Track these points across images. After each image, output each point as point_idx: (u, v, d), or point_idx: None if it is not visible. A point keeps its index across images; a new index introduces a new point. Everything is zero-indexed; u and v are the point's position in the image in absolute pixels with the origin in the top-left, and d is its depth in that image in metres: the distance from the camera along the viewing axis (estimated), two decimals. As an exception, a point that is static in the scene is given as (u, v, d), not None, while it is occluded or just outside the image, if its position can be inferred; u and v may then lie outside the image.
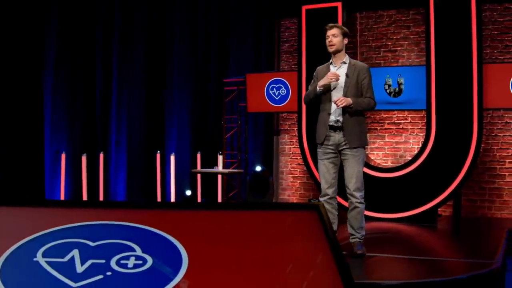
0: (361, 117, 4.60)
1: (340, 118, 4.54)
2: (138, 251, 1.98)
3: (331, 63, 4.71)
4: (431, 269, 4.20)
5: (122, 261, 1.98)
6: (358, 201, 4.56)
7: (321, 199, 4.70)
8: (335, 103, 4.46)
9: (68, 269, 1.96)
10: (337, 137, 4.56)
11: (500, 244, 5.05)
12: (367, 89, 4.60)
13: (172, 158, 6.65)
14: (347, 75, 4.59)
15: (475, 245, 5.38)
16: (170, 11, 8.76)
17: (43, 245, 2.03)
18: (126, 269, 1.95)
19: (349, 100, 4.44)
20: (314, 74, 4.81)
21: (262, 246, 1.84)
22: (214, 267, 1.87)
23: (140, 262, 1.96)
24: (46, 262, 1.99)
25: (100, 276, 1.94)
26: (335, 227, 4.69)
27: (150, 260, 1.95)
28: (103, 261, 1.97)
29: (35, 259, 2.01)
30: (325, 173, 4.63)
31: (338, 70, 4.63)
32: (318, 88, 4.58)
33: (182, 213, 1.98)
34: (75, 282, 1.91)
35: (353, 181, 4.53)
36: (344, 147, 4.55)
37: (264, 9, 8.41)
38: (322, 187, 4.68)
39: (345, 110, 4.51)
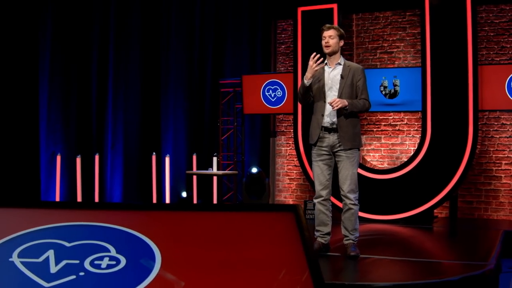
0: (356, 119, 4.60)
1: (335, 120, 4.53)
2: (113, 252, 2.01)
3: (326, 64, 4.71)
4: (424, 271, 4.19)
5: (96, 262, 2.01)
6: (352, 202, 4.55)
7: (315, 200, 4.69)
8: (330, 104, 4.45)
9: (42, 269, 1.98)
10: (331, 138, 4.55)
11: (495, 245, 5.04)
12: (362, 91, 4.60)
13: (167, 159, 6.63)
14: (342, 76, 4.59)
15: (470, 246, 5.37)
16: (166, 12, 8.75)
17: (20, 246, 2.05)
18: (99, 270, 1.98)
19: (344, 102, 4.44)
20: None
21: (235, 246, 1.86)
22: (187, 267, 1.89)
23: (114, 262, 1.99)
24: (21, 262, 2.01)
25: (73, 277, 1.97)
26: (328, 228, 4.69)
27: (123, 261, 1.98)
28: (77, 261, 2.00)
29: (10, 259, 2.03)
30: (319, 174, 4.62)
31: (333, 72, 4.64)
32: (305, 81, 4.58)
33: (157, 214, 2.00)
34: (48, 282, 1.93)
35: (347, 183, 4.53)
36: (338, 148, 4.54)
37: (260, 11, 8.40)
38: (316, 189, 4.67)
39: (340, 111, 4.51)
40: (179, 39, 8.69)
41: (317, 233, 4.72)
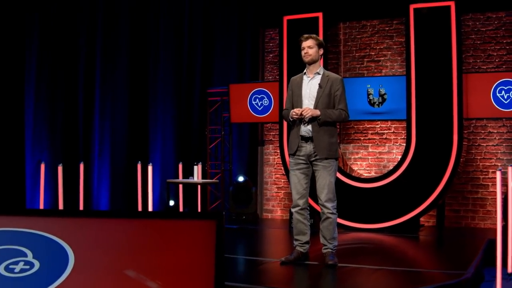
0: (332, 128, 4.57)
1: (311, 129, 4.52)
2: (29, 256, 2.11)
3: (305, 73, 4.70)
4: (400, 280, 4.15)
5: (10, 266, 2.13)
6: (330, 211, 4.53)
7: (292, 209, 4.68)
8: (300, 114, 4.44)
9: None
10: (308, 148, 4.54)
11: (476, 254, 5.00)
12: (340, 101, 4.58)
13: (150, 168, 6.62)
14: (320, 85, 4.59)
15: (452, 255, 5.34)
16: (154, 21, 8.75)
17: None
18: (12, 274, 2.09)
19: (316, 112, 4.43)
20: (289, 85, 4.80)
21: (149, 253, 1.94)
22: (99, 271, 1.98)
23: (28, 267, 2.10)
24: None
25: None
26: (307, 237, 4.66)
27: (37, 265, 2.09)
28: None
29: None
30: (297, 184, 4.61)
31: (311, 81, 4.63)
32: (290, 118, 4.59)
33: (79, 221, 2.12)
34: None
35: (324, 192, 4.51)
36: (315, 158, 4.52)
37: (249, 19, 8.41)
38: (293, 198, 4.66)
39: (315, 121, 4.50)
40: (167, 47, 8.68)
41: (296, 242, 4.70)
